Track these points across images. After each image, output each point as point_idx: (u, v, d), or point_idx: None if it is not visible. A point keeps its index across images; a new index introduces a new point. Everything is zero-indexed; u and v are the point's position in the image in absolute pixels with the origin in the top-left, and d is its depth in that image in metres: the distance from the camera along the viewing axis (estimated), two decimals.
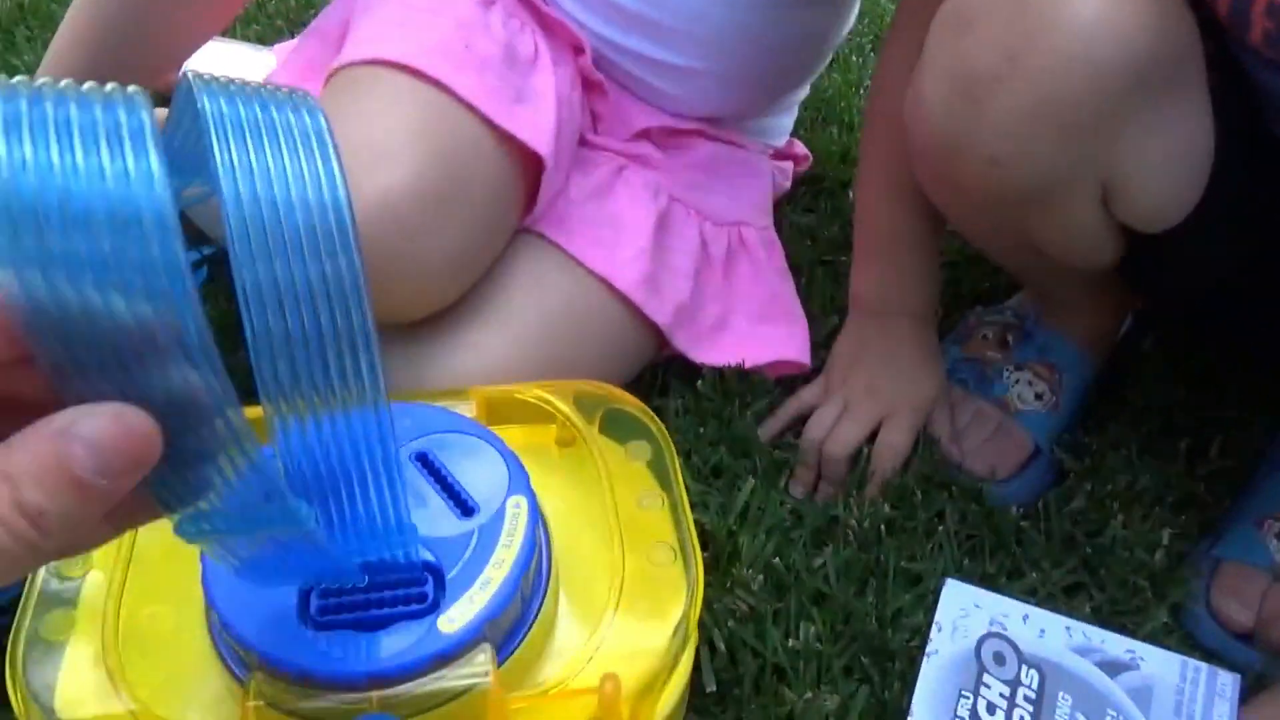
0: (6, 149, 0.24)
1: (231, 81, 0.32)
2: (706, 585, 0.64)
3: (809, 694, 0.60)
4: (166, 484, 0.28)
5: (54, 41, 0.75)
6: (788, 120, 0.92)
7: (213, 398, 0.26)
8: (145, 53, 0.74)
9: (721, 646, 0.62)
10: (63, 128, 0.24)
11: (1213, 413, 0.77)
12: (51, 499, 0.24)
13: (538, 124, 0.66)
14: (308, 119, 0.31)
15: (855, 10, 0.84)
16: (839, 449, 0.71)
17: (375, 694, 0.39)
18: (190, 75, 0.32)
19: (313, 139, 0.31)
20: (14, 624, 0.42)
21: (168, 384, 0.25)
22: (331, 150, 0.31)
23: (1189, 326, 0.79)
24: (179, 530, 0.30)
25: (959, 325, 0.81)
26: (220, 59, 1.04)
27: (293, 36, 1.13)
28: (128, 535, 0.46)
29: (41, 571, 0.44)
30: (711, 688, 0.59)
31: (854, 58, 1.26)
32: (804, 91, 0.91)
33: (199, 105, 0.31)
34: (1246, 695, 0.60)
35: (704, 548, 0.66)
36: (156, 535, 0.47)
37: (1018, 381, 0.75)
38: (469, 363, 0.65)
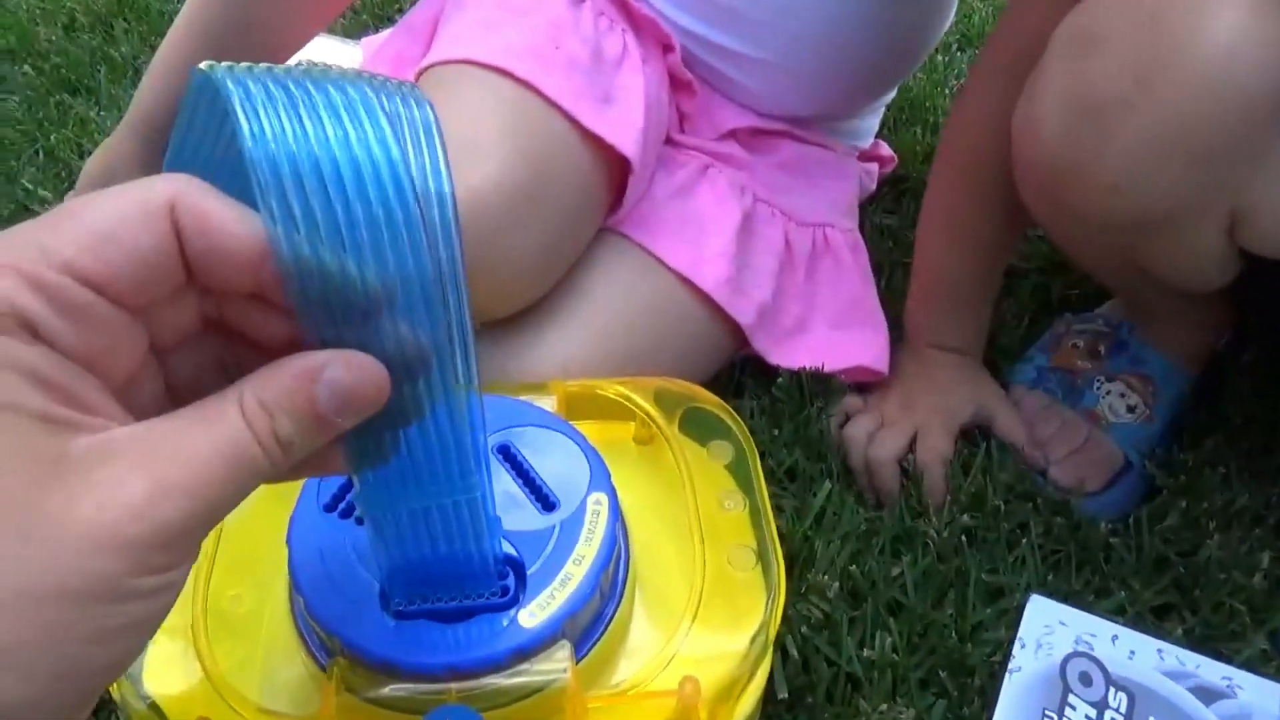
0: (278, 122, 0.27)
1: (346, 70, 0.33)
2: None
3: (884, 706, 0.59)
4: (365, 438, 0.32)
5: (166, 39, 0.77)
6: (873, 121, 0.91)
7: (433, 354, 0.31)
8: (252, 51, 0.76)
9: (795, 653, 0.61)
10: (313, 104, 0.28)
11: None
12: (299, 431, 0.28)
13: (625, 125, 0.65)
14: (416, 110, 0.31)
15: (951, 12, 0.82)
16: (883, 452, 0.71)
17: (455, 685, 0.39)
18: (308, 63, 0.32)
19: (420, 130, 0.31)
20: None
21: (398, 337, 0.30)
22: (438, 142, 0.31)
23: None
24: (359, 496, 0.35)
25: (1047, 334, 0.79)
26: (308, 52, 1.05)
27: (378, 30, 1.15)
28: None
29: None
30: (784, 695, 0.59)
31: (939, 56, 1.23)
32: (892, 93, 0.90)
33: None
34: None
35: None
36: (243, 519, 0.48)
37: (1109, 393, 0.73)
38: (549, 359, 0.65)
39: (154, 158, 0.82)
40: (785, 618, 0.62)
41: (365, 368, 0.29)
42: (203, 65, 0.30)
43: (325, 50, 1.07)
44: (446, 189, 0.31)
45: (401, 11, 1.24)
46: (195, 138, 0.33)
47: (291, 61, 0.90)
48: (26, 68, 1.17)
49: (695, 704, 0.39)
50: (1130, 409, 0.72)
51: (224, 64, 0.29)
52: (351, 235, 0.28)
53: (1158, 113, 0.51)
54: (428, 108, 0.34)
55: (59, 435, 0.25)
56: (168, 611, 0.26)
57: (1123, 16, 0.53)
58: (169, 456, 0.26)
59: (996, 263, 0.75)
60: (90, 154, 1.02)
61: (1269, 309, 0.73)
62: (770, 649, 0.45)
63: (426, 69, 0.67)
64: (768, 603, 0.44)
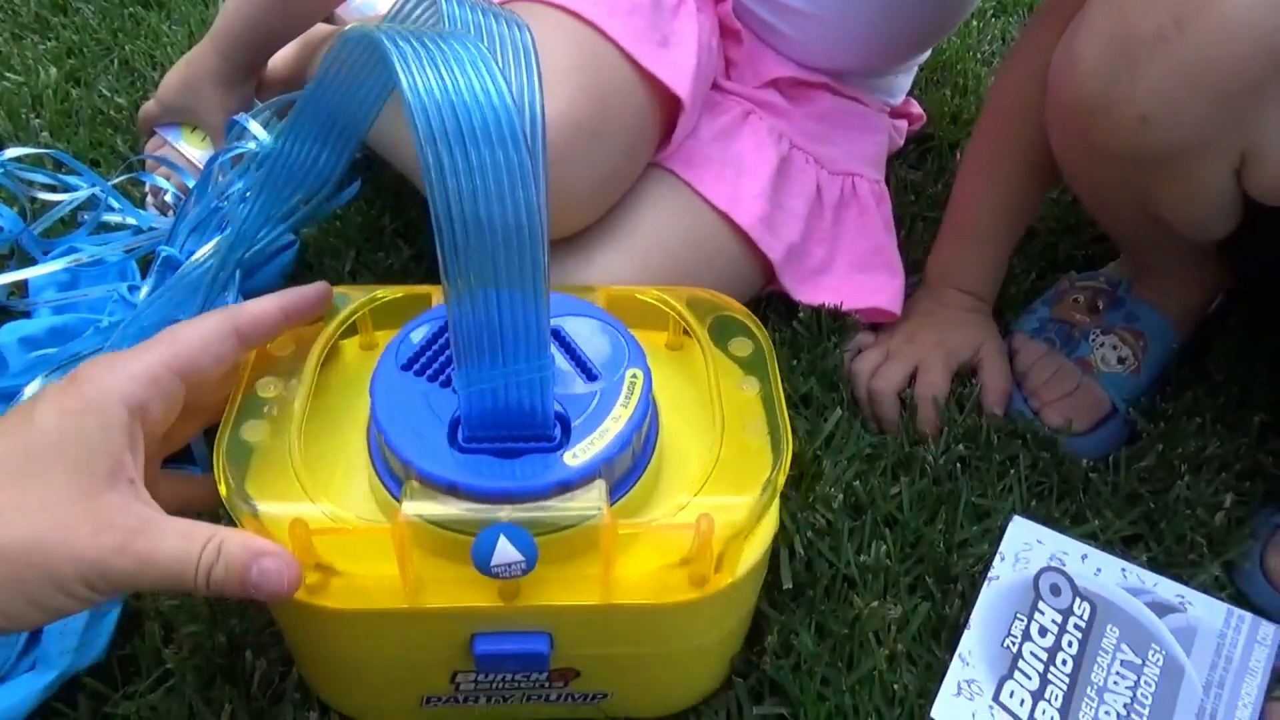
0: (427, 77, 0.39)
1: None
2: (790, 499, 0.70)
3: (875, 603, 0.65)
4: None
5: None
6: (906, 80, 0.96)
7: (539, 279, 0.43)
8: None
9: (800, 552, 0.68)
10: (448, 59, 0.40)
11: None
12: (226, 579, 0.43)
13: (679, 67, 0.71)
14: (519, 34, 0.38)
15: None
16: (884, 383, 0.78)
17: (507, 509, 0.45)
18: None
19: (521, 53, 0.38)
20: (218, 431, 0.50)
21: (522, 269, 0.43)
22: (535, 61, 0.38)
23: (1276, 302, 0.81)
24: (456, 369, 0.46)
25: (1051, 289, 0.85)
26: None
27: None
28: (310, 369, 0.54)
29: (241, 390, 0.52)
30: (788, 585, 0.65)
31: (974, 22, 1.28)
32: (927, 54, 0.95)
33: (443, 9, 0.40)
34: None
35: (791, 466, 0.71)
36: (336, 372, 0.55)
37: (1103, 345, 0.79)
38: (598, 278, 0.71)
39: (234, 73, 0.88)
40: (794, 521, 0.69)
41: (289, 571, 0.43)
42: (353, 26, 0.39)
43: None
44: (539, 105, 0.40)
45: None
46: (329, 86, 0.46)
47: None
48: None
49: (710, 538, 0.46)
50: (1120, 360, 0.78)
51: (378, 25, 0.38)
52: (480, 157, 0.40)
53: (1189, 51, 0.57)
54: (528, 33, 0.42)
55: (112, 484, 0.41)
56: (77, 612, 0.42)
57: None
58: (146, 540, 0.41)
59: (1024, 214, 0.82)
60: (162, 65, 1.09)
61: (1259, 276, 0.79)
62: (776, 502, 0.51)
63: (502, 4, 0.73)
64: (775, 463, 0.50)
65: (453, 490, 0.46)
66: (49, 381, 0.69)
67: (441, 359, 0.51)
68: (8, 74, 1.07)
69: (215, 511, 0.59)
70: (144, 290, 0.79)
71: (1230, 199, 0.64)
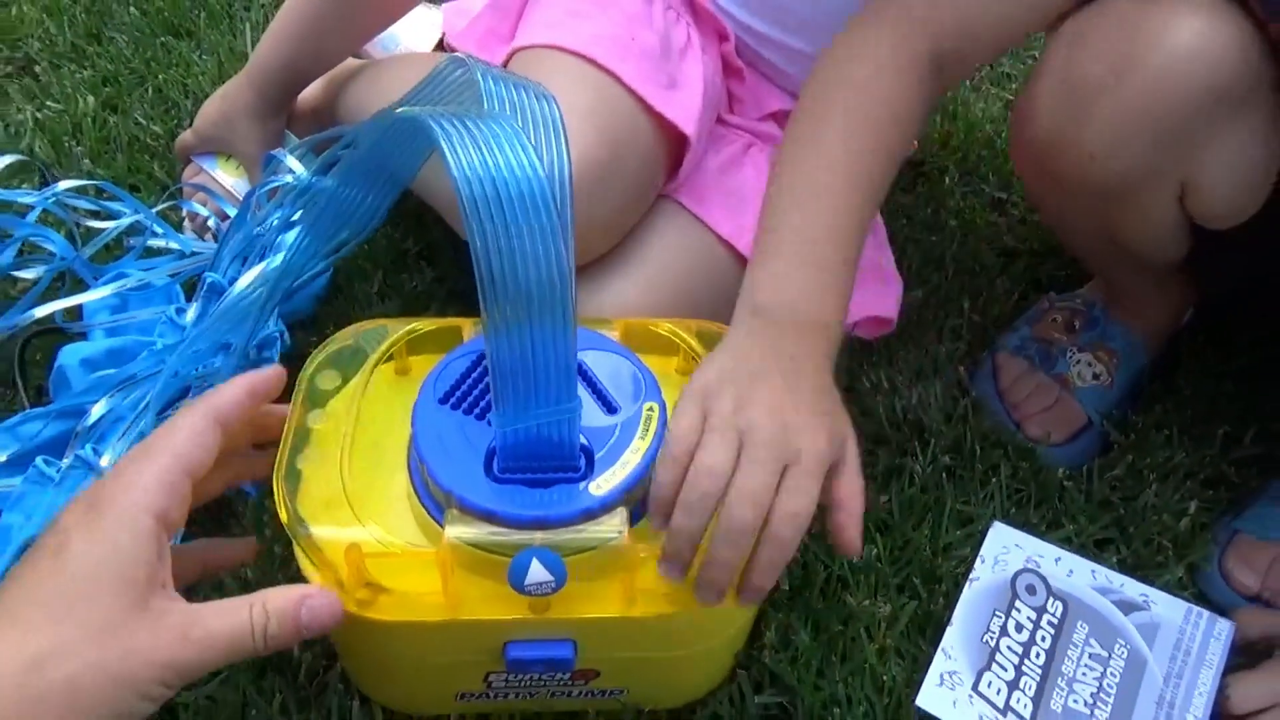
0: (470, 155, 0.45)
1: (491, 66, 0.47)
2: None
3: (866, 601, 0.72)
4: None
5: (285, 4, 0.89)
6: None
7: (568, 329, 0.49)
8: (359, 15, 0.88)
9: (797, 555, 0.74)
10: (488, 139, 0.46)
11: (1252, 406, 0.86)
12: (281, 632, 0.48)
13: (687, 107, 0.77)
14: (547, 108, 0.44)
15: None
16: (747, 511, 0.51)
17: (539, 534, 0.52)
18: (467, 58, 0.47)
19: (550, 125, 0.44)
20: (275, 460, 0.56)
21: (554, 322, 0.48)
22: (563, 133, 0.44)
23: (1242, 320, 0.87)
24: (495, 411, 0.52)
25: (1032, 308, 0.91)
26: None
27: None
28: (354, 399, 0.60)
29: (294, 422, 0.58)
30: (785, 587, 0.72)
31: None
32: None
33: (480, 85, 0.46)
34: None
35: None
36: (374, 397, 0.62)
37: (1079, 362, 0.85)
38: (611, 304, 0.77)
39: (267, 107, 0.94)
40: None
41: (333, 603, 0.49)
42: (400, 109, 0.46)
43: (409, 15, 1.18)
44: (567, 173, 0.44)
45: None
46: (380, 143, 0.52)
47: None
48: (133, 10, 1.28)
49: None
50: (1095, 376, 0.84)
51: (421, 108, 0.45)
52: (515, 223, 0.46)
53: (1128, 98, 0.64)
54: (555, 107, 0.48)
55: (153, 590, 0.45)
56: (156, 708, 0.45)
57: (1106, 18, 0.66)
58: (200, 628, 0.45)
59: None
60: (194, 93, 1.15)
61: (1226, 294, 0.85)
62: None
63: (520, 49, 0.78)
64: None
65: (490, 517, 0.52)
66: (80, 461, 0.75)
67: (475, 393, 0.58)
68: (49, 102, 1.13)
69: (237, 571, 0.69)
70: (190, 313, 0.86)
71: (1177, 223, 0.72)
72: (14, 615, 0.43)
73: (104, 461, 0.71)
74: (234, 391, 0.52)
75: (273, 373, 0.56)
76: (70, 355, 0.81)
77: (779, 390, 0.54)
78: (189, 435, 0.49)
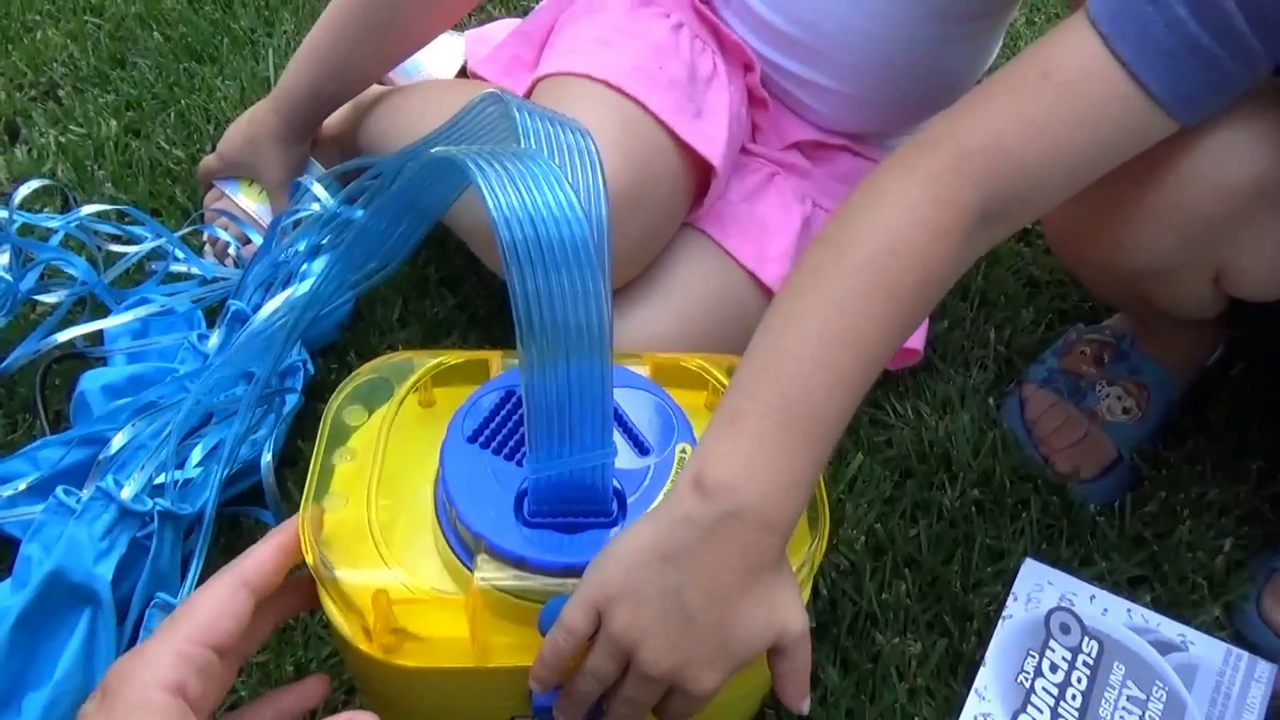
0: (507, 195, 0.45)
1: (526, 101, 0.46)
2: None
3: (896, 639, 0.71)
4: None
5: (312, 31, 0.89)
6: None
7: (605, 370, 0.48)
8: (387, 44, 0.87)
9: (825, 592, 0.73)
10: (525, 178, 0.45)
11: None
12: None
13: (712, 137, 0.76)
14: (583, 143, 0.44)
15: (997, 47, 0.92)
16: (627, 712, 0.51)
17: (571, 580, 0.51)
18: (501, 92, 0.47)
19: (587, 159, 0.43)
20: (302, 502, 0.55)
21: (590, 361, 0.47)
22: (599, 167, 0.44)
23: (1274, 353, 0.86)
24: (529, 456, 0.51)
25: (1060, 340, 0.90)
26: None
27: (478, 23, 1.26)
28: (380, 436, 0.59)
29: (319, 461, 0.58)
30: (813, 625, 0.70)
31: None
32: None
33: (516, 120, 0.45)
34: None
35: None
36: (399, 430, 0.61)
37: (1108, 395, 0.84)
38: (636, 332, 0.76)
39: (291, 133, 0.94)
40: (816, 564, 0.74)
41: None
42: (436, 148, 0.46)
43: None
44: (605, 214, 0.44)
45: (527, 10, 1.35)
46: (401, 190, 0.52)
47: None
48: (156, 35, 1.29)
49: None
50: (1125, 411, 0.83)
51: (457, 147, 0.44)
52: (555, 267, 0.45)
53: (1158, 194, 0.63)
54: (591, 141, 0.47)
55: None
56: None
57: None
58: None
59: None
60: (216, 118, 1.15)
61: (1259, 333, 0.84)
62: (811, 577, 0.57)
63: (546, 76, 0.78)
64: (812, 541, 0.55)
65: (520, 563, 0.51)
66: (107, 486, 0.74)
67: (504, 432, 0.57)
68: (72, 126, 1.13)
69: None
70: (213, 339, 0.85)
71: (1212, 295, 0.70)
72: None
73: (125, 494, 0.70)
74: (265, 553, 0.51)
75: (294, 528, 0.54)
76: (92, 381, 0.81)
77: (688, 615, 0.48)
78: (212, 603, 0.48)
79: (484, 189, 0.45)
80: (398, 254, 0.67)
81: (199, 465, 0.76)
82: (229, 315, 0.85)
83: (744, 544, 0.48)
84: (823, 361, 0.51)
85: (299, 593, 0.55)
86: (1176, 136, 0.59)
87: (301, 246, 0.84)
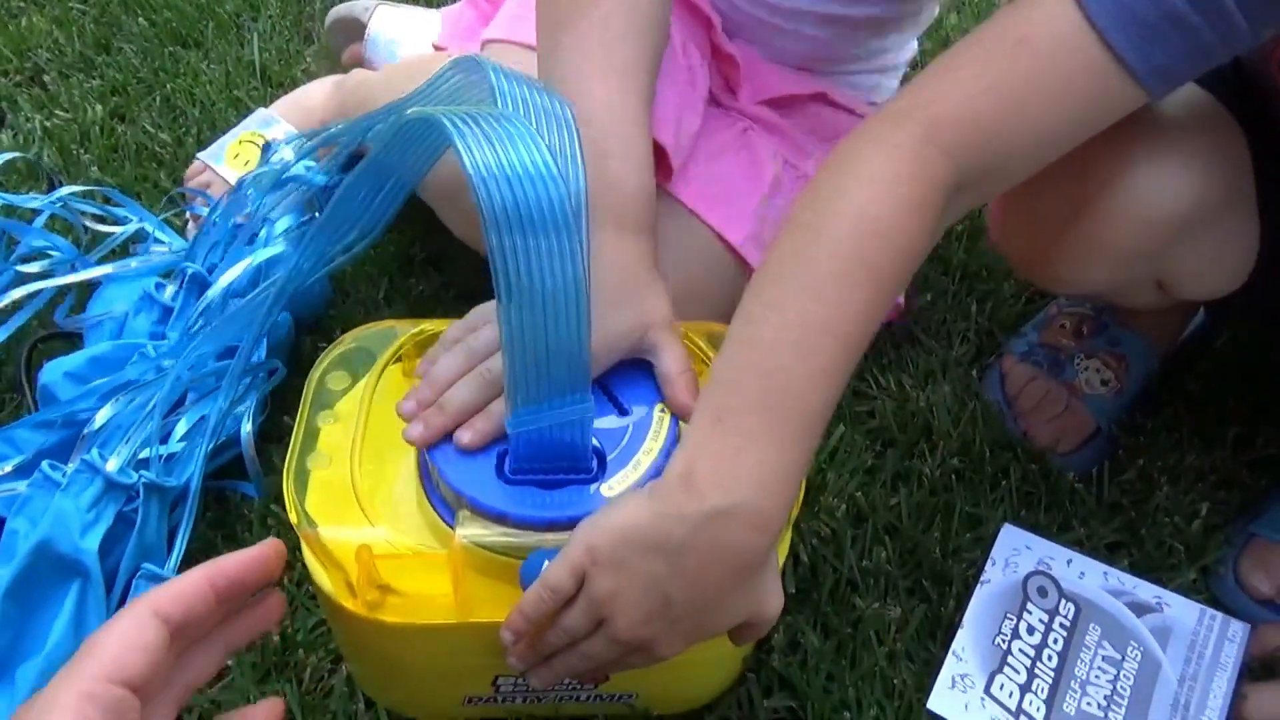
0: (484, 152, 0.45)
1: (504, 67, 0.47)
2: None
3: (876, 604, 0.72)
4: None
5: None
6: (893, 82, 1.00)
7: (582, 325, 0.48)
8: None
9: (805, 559, 0.74)
10: (501, 136, 0.45)
11: (1263, 407, 0.86)
12: None
13: (657, 117, 0.76)
14: (561, 110, 0.45)
15: None
16: (580, 666, 0.52)
17: (550, 536, 0.51)
18: (486, 61, 0.47)
19: (564, 127, 0.44)
20: (286, 459, 0.56)
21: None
22: (575, 131, 0.44)
23: (1250, 321, 0.87)
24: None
25: (1040, 313, 0.91)
26: (395, 19, 1.17)
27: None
28: (363, 400, 0.60)
29: (303, 423, 0.58)
30: (792, 590, 0.71)
31: (950, 16, 1.32)
32: (909, 51, 0.98)
33: (493, 85, 0.46)
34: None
35: None
36: (382, 397, 0.61)
37: (1087, 369, 0.85)
38: None
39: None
40: (799, 531, 0.75)
41: None
42: (413, 110, 0.46)
43: (408, 19, 1.17)
44: (582, 175, 0.46)
45: None
46: (388, 150, 0.52)
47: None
48: (141, 20, 1.29)
49: None
50: (1104, 383, 0.84)
51: (439, 108, 0.44)
52: (533, 226, 0.46)
53: (1088, 229, 0.65)
54: (569, 108, 0.48)
55: None
56: None
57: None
58: None
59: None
60: (202, 102, 1.15)
61: (1227, 305, 0.85)
62: (789, 536, 0.58)
63: (493, 41, 0.78)
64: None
65: (502, 519, 0.52)
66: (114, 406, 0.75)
67: None
68: (57, 111, 1.13)
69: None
70: (168, 290, 0.85)
71: (1161, 298, 0.72)
72: None
73: (110, 466, 0.71)
74: (184, 581, 0.45)
75: (246, 557, 0.47)
76: (52, 372, 0.80)
77: (669, 599, 0.49)
78: (115, 639, 0.43)
79: (461, 148, 0.46)
80: (373, 226, 0.68)
81: (182, 439, 0.76)
82: (186, 279, 0.86)
83: (735, 543, 0.48)
84: (804, 351, 0.50)
85: (258, 615, 0.49)
86: (1102, 172, 0.61)
87: (261, 205, 0.85)
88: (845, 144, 0.56)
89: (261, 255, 0.85)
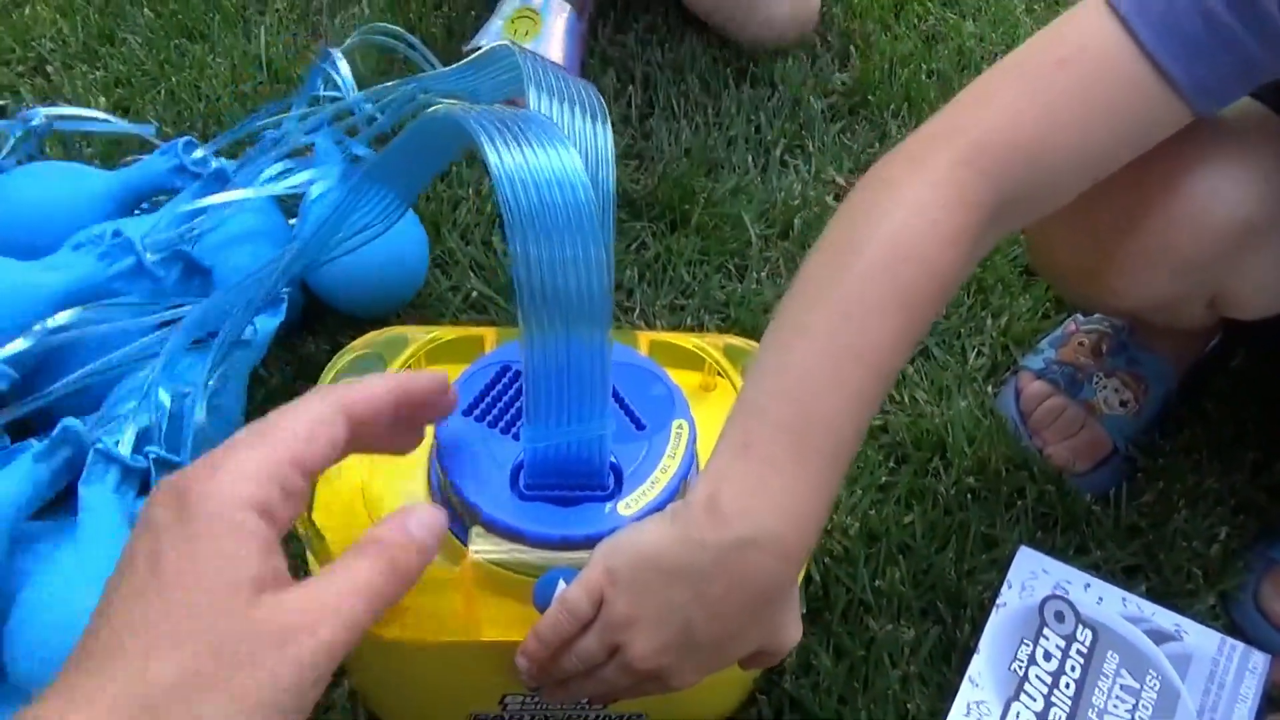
0: (509, 152, 0.45)
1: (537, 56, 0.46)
2: None
3: (889, 626, 0.70)
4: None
5: None
6: None
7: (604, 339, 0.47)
8: None
9: (817, 578, 0.72)
10: (526, 136, 0.45)
11: None
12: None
13: None
14: (590, 96, 0.44)
15: None
16: (591, 689, 0.51)
17: (566, 554, 0.50)
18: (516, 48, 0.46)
19: (596, 118, 0.43)
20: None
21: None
22: (607, 122, 0.43)
23: (1270, 344, 0.86)
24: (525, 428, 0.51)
25: (1058, 329, 0.89)
26: None
27: None
28: None
29: None
30: (805, 610, 0.70)
31: (967, 23, 1.30)
32: None
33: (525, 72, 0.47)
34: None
35: None
36: None
37: (1105, 388, 0.84)
38: None
39: None
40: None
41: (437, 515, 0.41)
42: (435, 109, 0.45)
43: None
44: (610, 177, 0.44)
45: None
46: (408, 146, 0.50)
47: None
48: (147, 11, 1.27)
49: None
50: (1123, 403, 0.83)
51: (458, 106, 0.44)
52: (559, 234, 0.44)
53: (1145, 241, 0.63)
54: (601, 102, 0.47)
55: (257, 601, 0.35)
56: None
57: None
58: (317, 607, 0.36)
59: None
60: (207, 96, 1.13)
61: (1254, 326, 0.84)
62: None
63: None
64: None
65: (516, 536, 0.50)
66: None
67: (500, 405, 0.56)
68: (60, 104, 1.12)
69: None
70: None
71: (1209, 315, 0.71)
72: (118, 645, 0.34)
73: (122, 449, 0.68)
74: (375, 389, 0.43)
75: (429, 379, 0.45)
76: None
77: (688, 628, 0.47)
78: (307, 425, 0.39)
79: (488, 151, 0.44)
80: (387, 217, 0.66)
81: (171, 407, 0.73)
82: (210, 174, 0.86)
83: (758, 572, 0.47)
84: (834, 379, 0.49)
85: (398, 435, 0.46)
86: (1161, 180, 0.59)
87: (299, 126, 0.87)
88: (882, 164, 0.54)
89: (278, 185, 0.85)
